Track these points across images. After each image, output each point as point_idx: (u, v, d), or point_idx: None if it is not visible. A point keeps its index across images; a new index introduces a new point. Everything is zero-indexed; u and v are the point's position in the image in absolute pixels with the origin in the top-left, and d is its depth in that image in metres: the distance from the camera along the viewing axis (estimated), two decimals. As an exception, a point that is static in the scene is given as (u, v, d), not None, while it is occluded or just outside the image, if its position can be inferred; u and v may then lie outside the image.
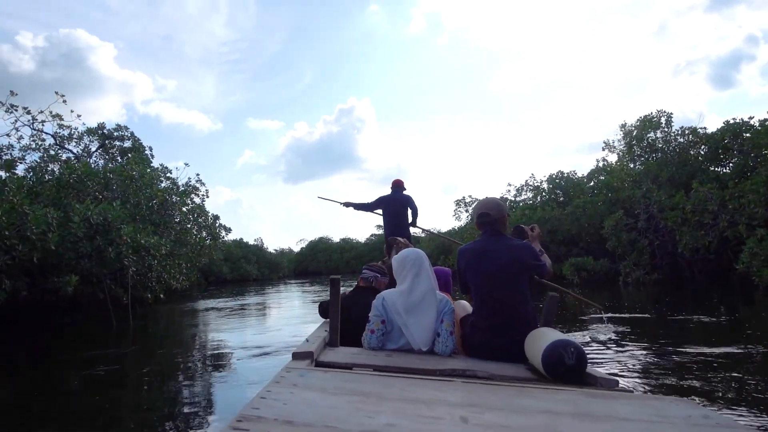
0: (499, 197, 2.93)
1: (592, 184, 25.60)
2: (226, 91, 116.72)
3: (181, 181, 20.01)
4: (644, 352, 6.07)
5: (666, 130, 21.68)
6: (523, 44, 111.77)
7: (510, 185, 31.01)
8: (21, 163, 15.25)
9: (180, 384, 5.58)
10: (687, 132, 20.92)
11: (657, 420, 1.35)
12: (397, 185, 6.78)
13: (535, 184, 28.29)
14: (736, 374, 4.83)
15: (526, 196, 28.49)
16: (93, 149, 19.74)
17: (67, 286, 9.79)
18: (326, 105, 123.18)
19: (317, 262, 61.00)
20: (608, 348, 6.42)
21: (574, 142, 78.27)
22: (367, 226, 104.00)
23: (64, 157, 17.37)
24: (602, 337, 7.18)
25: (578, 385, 1.93)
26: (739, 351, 5.85)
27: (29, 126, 16.07)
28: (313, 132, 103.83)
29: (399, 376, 1.81)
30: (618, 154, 24.70)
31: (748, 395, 4.17)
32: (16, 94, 14.94)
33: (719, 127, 18.80)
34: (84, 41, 63.60)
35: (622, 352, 6.16)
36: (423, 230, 7.24)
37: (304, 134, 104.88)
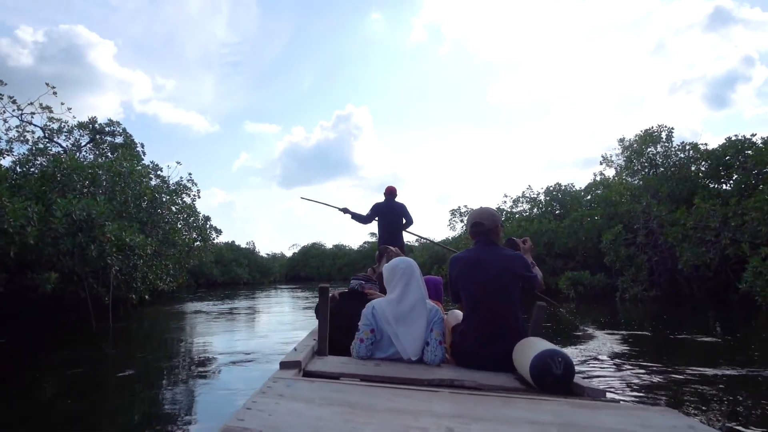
0: (495, 208, 2.92)
1: (589, 197, 25.57)
2: (224, 93, 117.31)
3: (173, 180, 19.82)
4: (639, 369, 5.97)
5: (666, 144, 21.71)
6: (522, 57, 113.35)
7: (506, 196, 30.91)
8: (8, 155, 15.01)
9: (160, 392, 5.39)
10: (688, 147, 20.95)
11: (641, 430, 1.36)
12: (390, 192, 6.80)
13: (532, 196, 28.27)
14: (730, 396, 4.75)
15: (522, 208, 28.45)
16: (83, 143, 19.47)
17: (47, 284, 9.55)
18: (324, 111, 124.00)
19: (309, 268, 60.83)
20: (603, 363, 6.32)
21: (570, 156, 79.37)
22: (360, 234, 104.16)
23: (53, 151, 17.09)
24: (598, 353, 7.08)
25: (566, 395, 1.95)
26: (739, 373, 5.75)
27: (17, 117, 15.85)
28: (309, 137, 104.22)
29: (387, 386, 1.82)
30: (616, 168, 24.76)
31: (740, 413, 4.09)
32: (5, 84, 14.68)
33: (721, 144, 18.86)
34: (84, 38, 63.90)
35: (616, 367, 6.06)
36: (418, 238, 7.23)
37: (300, 139, 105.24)
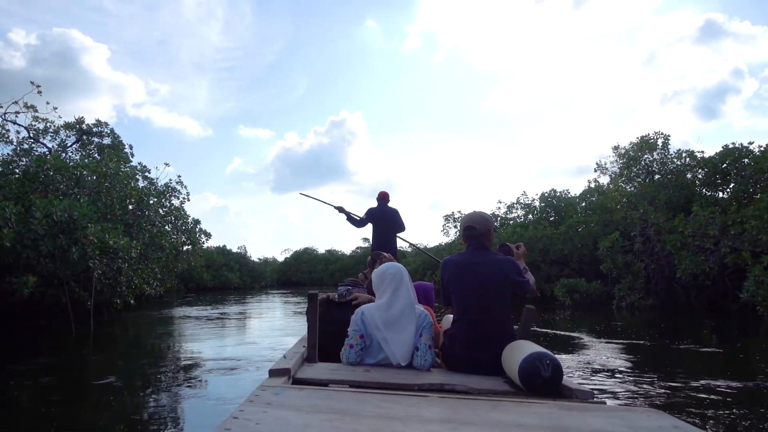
0: (489, 213, 2.89)
1: (583, 204, 25.56)
2: (218, 98, 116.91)
3: (161, 182, 19.59)
4: (635, 379, 5.93)
5: (663, 152, 21.74)
6: (516, 66, 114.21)
7: (500, 202, 30.76)
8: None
9: (143, 401, 5.23)
10: (684, 155, 20.99)
11: (628, 431, 1.38)
12: (383, 197, 6.90)
13: (527, 202, 28.23)
14: (726, 405, 4.70)
15: (516, 214, 28.40)
16: (69, 144, 19.15)
17: (24, 288, 9.29)
18: (318, 116, 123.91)
19: (301, 273, 60.58)
20: (598, 372, 6.24)
21: (563, 164, 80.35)
22: (353, 239, 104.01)
23: (39, 151, 16.81)
24: (593, 362, 7.03)
25: (554, 397, 1.97)
26: (737, 384, 5.70)
27: (1, 117, 15.56)
28: (303, 143, 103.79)
29: (376, 392, 1.83)
30: (610, 175, 24.80)
31: (736, 423, 4.05)
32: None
33: (718, 152, 18.90)
34: (78, 41, 63.63)
35: (612, 376, 6.00)
36: (410, 244, 7.29)
37: (294, 144, 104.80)
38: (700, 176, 20.21)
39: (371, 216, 6.80)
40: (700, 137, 56.44)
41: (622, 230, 19.23)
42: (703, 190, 19.78)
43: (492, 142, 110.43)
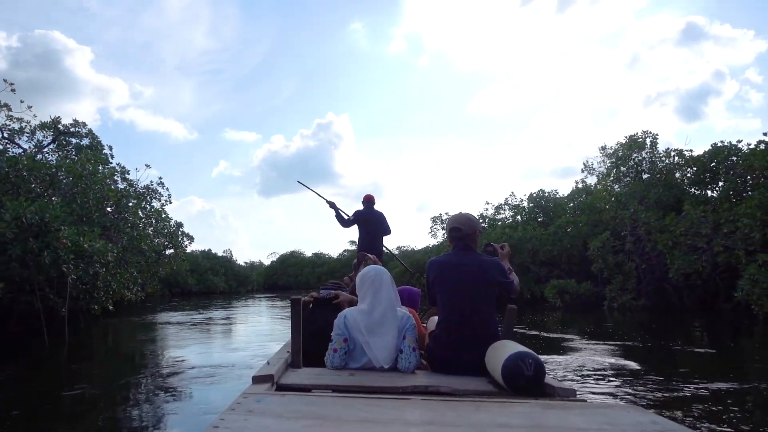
0: (476, 215, 2.86)
1: (572, 205, 25.66)
2: (204, 101, 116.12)
3: (142, 184, 19.22)
4: (627, 380, 5.90)
5: (651, 151, 21.91)
6: (501, 69, 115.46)
7: (488, 203, 30.72)
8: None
9: (119, 412, 5.07)
10: (673, 154, 21.18)
11: (608, 428, 1.40)
12: (369, 200, 6.98)
13: (515, 203, 28.25)
14: (720, 406, 4.64)
15: (504, 215, 28.39)
16: (45, 144, 18.68)
17: (-9, 294, 8.90)
18: (304, 119, 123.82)
19: (288, 276, 60.34)
20: (589, 374, 6.19)
21: (549, 165, 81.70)
22: (340, 241, 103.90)
23: (14, 152, 16.35)
24: (584, 364, 6.99)
25: (537, 396, 2.02)
26: (729, 384, 5.71)
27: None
28: (289, 146, 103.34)
29: (359, 396, 1.84)
30: (598, 176, 24.95)
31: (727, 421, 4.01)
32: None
33: (707, 150, 19.08)
34: (60, 43, 62.84)
35: (603, 379, 5.90)
36: (387, 250, 7.28)
37: (280, 147, 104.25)
38: (689, 175, 20.43)
39: (358, 218, 6.86)
40: (681, 139, 57.78)
41: (612, 230, 19.32)
42: (693, 189, 19.99)
43: (478, 144, 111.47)
